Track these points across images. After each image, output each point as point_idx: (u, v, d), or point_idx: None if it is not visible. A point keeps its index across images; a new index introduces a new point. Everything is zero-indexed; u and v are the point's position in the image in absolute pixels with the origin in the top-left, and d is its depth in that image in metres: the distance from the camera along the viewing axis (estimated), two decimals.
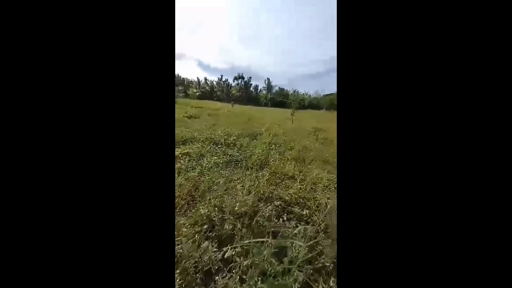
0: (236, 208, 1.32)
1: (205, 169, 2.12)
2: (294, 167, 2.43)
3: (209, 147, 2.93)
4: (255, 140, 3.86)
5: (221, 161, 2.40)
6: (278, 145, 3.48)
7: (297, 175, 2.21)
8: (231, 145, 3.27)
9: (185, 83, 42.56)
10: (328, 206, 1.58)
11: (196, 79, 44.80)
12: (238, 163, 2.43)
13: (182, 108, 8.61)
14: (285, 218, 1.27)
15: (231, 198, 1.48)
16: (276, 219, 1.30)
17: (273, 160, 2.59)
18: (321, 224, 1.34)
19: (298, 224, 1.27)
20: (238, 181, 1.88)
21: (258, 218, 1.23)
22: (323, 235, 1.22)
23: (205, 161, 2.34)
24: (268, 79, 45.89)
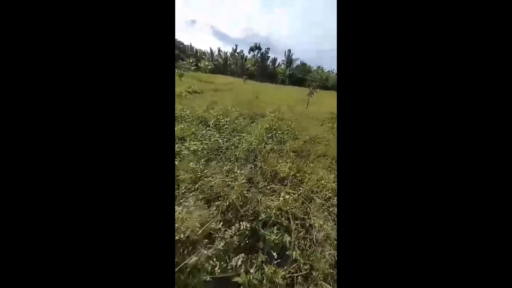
0: (180, 228, 0.92)
1: (177, 158, 1.74)
2: (292, 163, 1.88)
3: (194, 129, 2.49)
4: (254, 123, 3.26)
5: (200, 148, 1.97)
6: (280, 132, 2.85)
7: (291, 176, 1.68)
8: (223, 127, 2.77)
9: (198, 54, 39.80)
10: (321, 234, 1.09)
11: (209, 50, 41.55)
12: (222, 153, 1.98)
13: (188, 82, 8.05)
14: (239, 262, 0.82)
15: (184, 212, 1.08)
16: (233, 252, 0.88)
17: (265, 152, 2.06)
18: (302, 266, 0.89)
19: (265, 265, 0.84)
20: (209, 179, 1.46)
21: (198, 257, 0.82)
22: None
23: (182, 147, 1.94)
24: (289, 50, 39.47)
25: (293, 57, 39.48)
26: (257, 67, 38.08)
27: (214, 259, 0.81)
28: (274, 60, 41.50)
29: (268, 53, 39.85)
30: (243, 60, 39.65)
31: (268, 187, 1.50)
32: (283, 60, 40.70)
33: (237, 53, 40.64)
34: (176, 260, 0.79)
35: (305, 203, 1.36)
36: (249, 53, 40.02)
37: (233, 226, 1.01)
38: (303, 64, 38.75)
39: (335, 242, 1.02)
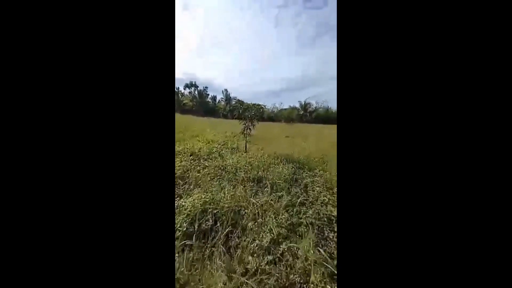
0: None
1: None
2: None
3: None
4: None
5: None
6: None
7: None
8: None
9: None
10: None
11: None
12: None
13: None
14: None
15: None
16: None
17: None
18: None
19: None
20: None
21: None
22: None
23: None
24: (226, 90, 43.92)
25: (231, 95, 43.92)
26: (195, 103, 37.08)
27: None
28: (214, 97, 43.40)
29: (206, 91, 41.22)
30: (179, 96, 37.37)
31: None
32: (222, 97, 43.74)
33: None
34: None
35: None
36: (184, 89, 38.98)
37: None
38: (240, 101, 44.00)
39: None
